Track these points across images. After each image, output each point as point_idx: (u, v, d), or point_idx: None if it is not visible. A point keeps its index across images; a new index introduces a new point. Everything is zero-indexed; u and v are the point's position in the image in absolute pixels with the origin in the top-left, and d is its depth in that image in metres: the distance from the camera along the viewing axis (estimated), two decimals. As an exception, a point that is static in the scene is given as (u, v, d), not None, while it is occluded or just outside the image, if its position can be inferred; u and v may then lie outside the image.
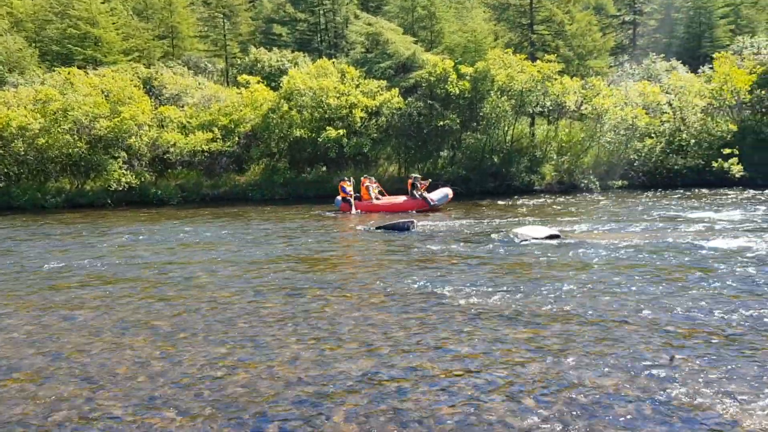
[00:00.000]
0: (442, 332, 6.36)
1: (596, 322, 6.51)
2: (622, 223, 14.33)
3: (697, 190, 21.58)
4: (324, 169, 24.86)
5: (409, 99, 25.57)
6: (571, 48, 33.50)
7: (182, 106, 26.49)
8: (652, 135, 25.27)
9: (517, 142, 25.54)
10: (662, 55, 35.94)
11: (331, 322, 6.89)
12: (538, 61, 25.63)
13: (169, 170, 25.13)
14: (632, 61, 38.66)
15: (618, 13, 48.98)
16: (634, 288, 7.85)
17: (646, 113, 25.15)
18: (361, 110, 24.59)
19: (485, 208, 19.06)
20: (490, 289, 7.98)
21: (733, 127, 24.70)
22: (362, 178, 20.18)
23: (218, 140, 24.39)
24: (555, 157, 25.00)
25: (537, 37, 33.25)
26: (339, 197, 19.70)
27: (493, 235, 12.61)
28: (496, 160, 24.35)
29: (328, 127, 24.14)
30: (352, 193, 19.43)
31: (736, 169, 23.14)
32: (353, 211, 18.81)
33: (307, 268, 10.02)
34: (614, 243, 11.25)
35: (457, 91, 24.51)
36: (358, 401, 4.82)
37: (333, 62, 27.79)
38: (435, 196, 19.57)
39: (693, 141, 24.89)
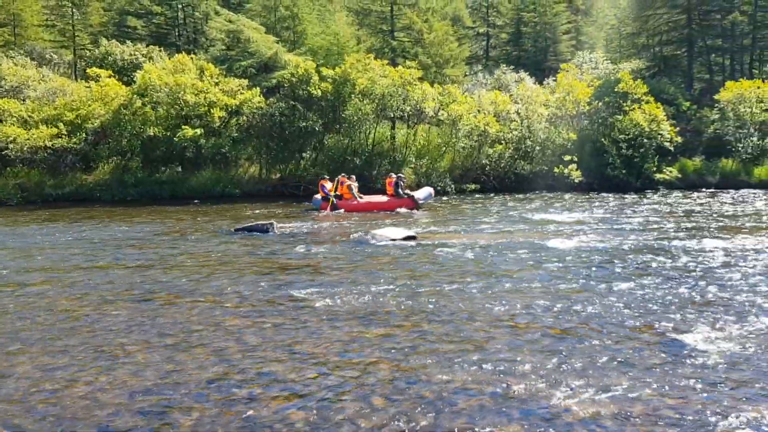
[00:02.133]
0: (296, 335, 6.32)
1: (447, 321, 6.76)
2: (474, 224, 15.05)
3: (541, 194, 23.11)
4: (179, 169, 23.92)
5: (271, 99, 25.30)
6: (429, 56, 34.75)
7: (24, 100, 24.39)
8: (502, 141, 26.80)
9: (378, 145, 26.06)
10: (512, 67, 38.23)
11: (182, 329, 6.62)
12: (399, 67, 26.33)
13: (8, 168, 23.03)
14: (485, 71, 40.82)
15: (473, 25, 51.47)
16: (482, 286, 8.25)
17: (497, 121, 26.62)
18: (221, 109, 23.95)
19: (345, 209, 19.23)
20: (347, 291, 8.06)
21: (573, 136, 26.80)
22: (340, 177, 19.73)
23: (63, 136, 22.72)
24: (414, 161, 25.77)
25: (398, 43, 34.16)
26: (318, 196, 19.30)
27: (352, 237, 12.76)
28: (358, 162, 24.70)
29: (184, 126, 23.27)
30: (331, 192, 19.08)
31: (576, 175, 25.12)
32: (326, 211, 18.38)
33: (159, 273, 9.57)
34: (467, 243, 11.79)
35: (320, 93, 24.59)
36: (207, 409, 4.67)
37: (192, 58, 26.83)
38: (420, 194, 19.62)
39: (538, 148, 26.71)
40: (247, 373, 5.35)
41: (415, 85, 25.62)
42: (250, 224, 14.35)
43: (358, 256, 10.72)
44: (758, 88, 29.59)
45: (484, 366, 5.40)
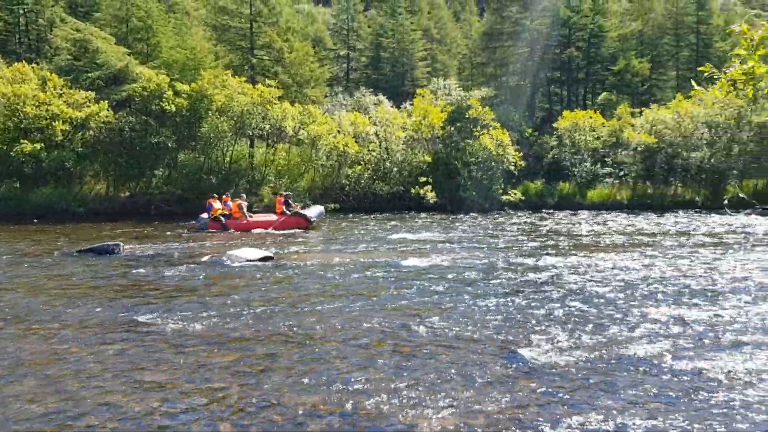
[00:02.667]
0: (140, 362, 6.01)
1: (300, 342, 6.73)
2: (332, 244, 15.16)
3: (398, 214, 23.75)
4: (17, 185, 22.00)
5: (121, 113, 24.01)
6: (290, 75, 34.71)
7: None
8: (361, 162, 27.31)
9: (236, 163, 25.56)
10: (371, 89, 39.19)
11: (12, 359, 6.07)
12: (259, 85, 26.08)
13: None
14: (346, 92, 41.48)
15: (334, 47, 52.22)
16: (337, 306, 8.32)
17: (356, 142, 27.11)
18: (64, 122, 22.35)
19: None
20: (197, 314, 7.80)
21: (428, 158, 27.89)
22: (225, 195, 19.02)
23: None
24: (273, 180, 25.55)
25: (257, 61, 33.79)
26: (204, 215, 18.34)
27: (205, 258, 12.38)
28: (214, 180, 24.05)
29: (23, 140, 21.47)
30: (221, 210, 18.24)
31: (430, 196, 26.13)
32: (215, 231, 17.64)
33: (-15, 299, 8.71)
34: (324, 263, 11.84)
35: (174, 109, 23.72)
36: (36, 448, 4.32)
37: (33, 68, 24.86)
38: (311, 212, 19.03)
39: (396, 169, 27.49)
40: (83, 405, 5.00)
41: (275, 103, 25.49)
42: (94, 245, 13.47)
43: (211, 278, 10.42)
44: (591, 118, 32.54)
45: (336, 386, 5.44)
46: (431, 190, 26.39)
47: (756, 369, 5.80)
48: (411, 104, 32.88)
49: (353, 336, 6.96)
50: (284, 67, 34.70)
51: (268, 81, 27.07)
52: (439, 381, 5.58)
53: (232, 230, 18.20)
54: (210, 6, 37.47)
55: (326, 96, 40.93)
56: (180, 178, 24.24)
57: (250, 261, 11.89)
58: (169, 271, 11.11)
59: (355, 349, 6.48)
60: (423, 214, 23.82)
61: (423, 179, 26.64)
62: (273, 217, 19.38)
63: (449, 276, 10.66)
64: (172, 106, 23.64)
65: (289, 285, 9.91)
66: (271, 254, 12.53)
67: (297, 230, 18.56)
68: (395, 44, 49.31)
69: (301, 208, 19.66)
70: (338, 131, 27.21)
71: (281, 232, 18.31)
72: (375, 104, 36.00)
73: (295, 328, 7.24)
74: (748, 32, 4.13)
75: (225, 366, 5.95)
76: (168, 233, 17.73)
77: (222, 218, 18.33)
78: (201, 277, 10.53)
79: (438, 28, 57.78)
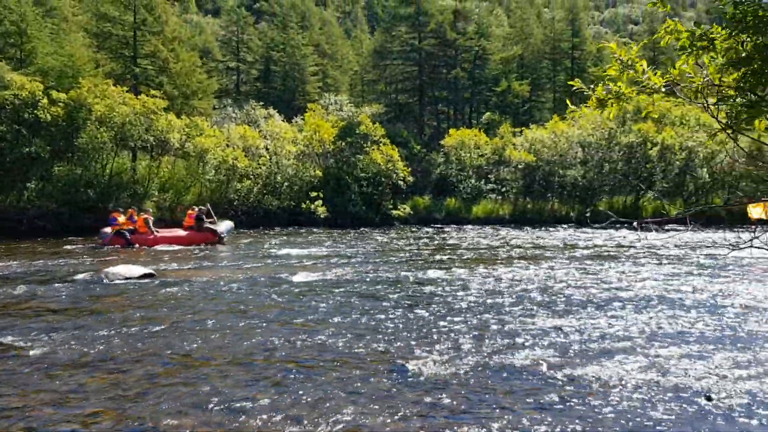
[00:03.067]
0: (1, 388, 5.60)
1: (181, 361, 6.52)
2: (219, 260, 14.81)
3: (288, 229, 23.58)
4: None
5: (-12, 121, 22.34)
6: (176, 86, 33.69)
7: None
8: (251, 176, 26.90)
9: (117, 176, 24.41)
10: (261, 103, 38.81)
11: None
12: (142, 95, 25.12)
13: None
14: (235, 105, 40.80)
15: (223, 59, 51.27)
16: (222, 324, 8.12)
17: (246, 156, 26.70)
18: None
19: (78, 245, 17.64)
20: (68, 336, 7.36)
21: (319, 173, 27.93)
22: (130, 209, 18.16)
23: None
24: (157, 194, 24.63)
25: (141, 70, 32.56)
26: (107, 229, 17.56)
27: (79, 276, 11.72)
28: (92, 194, 22.82)
29: None
30: (125, 225, 17.37)
31: (321, 211, 26.15)
32: (118, 246, 16.98)
33: None
34: (209, 280, 11.54)
35: (49, 118, 22.36)
36: None
37: None
38: (221, 228, 18.36)
39: (286, 184, 27.31)
40: (-67, 441, 4.60)
41: (160, 114, 24.64)
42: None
43: (86, 298, 9.87)
44: (475, 136, 33.88)
45: (218, 407, 5.31)
46: (322, 205, 26.42)
47: (624, 375, 6.22)
48: (302, 119, 32.83)
49: (237, 354, 6.83)
50: (170, 77, 33.63)
51: (152, 91, 26.12)
52: (324, 397, 5.57)
53: (137, 246, 17.45)
54: (91, 12, 35.68)
55: (214, 108, 40.05)
56: (55, 192, 22.81)
57: (130, 279, 11.38)
58: (39, 289, 10.42)
59: (238, 368, 6.36)
60: (313, 229, 23.78)
61: (314, 194, 26.63)
62: (180, 232, 18.73)
63: (337, 291, 10.69)
64: (48, 115, 22.28)
65: (170, 303, 9.57)
66: (153, 271, 12.06)
67: (206, 245, 18.12)
68: (286, 58, 49.14)
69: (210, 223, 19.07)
70: (227, 144, 26.68)
71: (187, 247, 17.79)
72: (265, 118, 35.65)
73: (175, 348, 7.00)
74: (617, 51, 4.44)
75: (99, 390, 5.65)
76: (41, 249, 16.64)
77: (126, 233, 17.52)
78: (73, 296, 9.95)
79: (329, 44, 58.16)
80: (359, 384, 5.91)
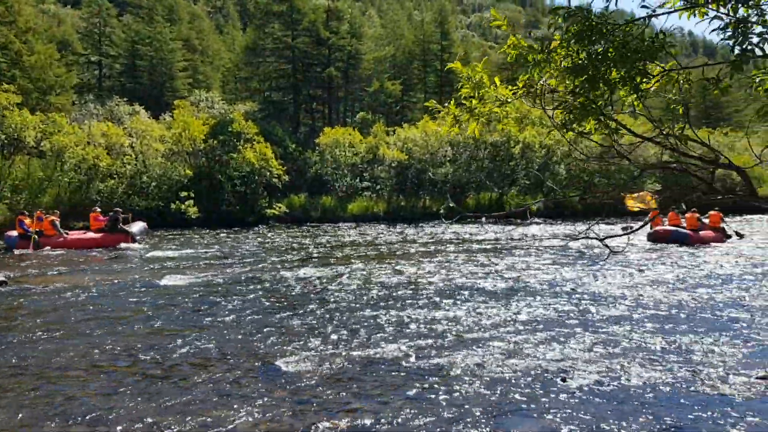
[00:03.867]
0: None
1: (36, 373, 6.14)
2: (79, 265, 14.03)
3: (157, 230, 22.68)
4: None
5: None
6: (30, 80, 31.39)
7: None
8: (115, 176, 25.63)
9: (-39, 177, 22.40)
10: (126, 99, 36.99)
11: None
12: (-8, 89, 23.21)
13: None
14: (97, 101, 38.57)
15: (84, 52, 48.26)
16: (80, 331, 7.72)
17: (109, 154, 25.40)
18: None
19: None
20: None
21: (190, 172, 27.09)
22: (38, 212, 17.53)
23: None
24: (9, 196, 22.85)
25: (-11, 62, 30.04)
26: (14, 233, 16.82)
27: None
28: (-68, 197, 20.81)
29: None
30: (32, 228, 16.82)
31: (192, 211, 25.38)
32: (27, 250, 16.21)
33: None
34: (68, 286, 10.93)
35: None
36: None
37: None
38: (134, 229, 18.45)
39: (154, 183, 26.24)
40: None
41: (13, 110, 22.85)
42: None
43: (-74, 310, 9.07)
44: (350, 134, 34.28)
45: (77, 417, 5.08)
46: (193, 205, 25.65)
47: (486, 362, 6.61)
48: (171, 116, 31.65)
49: (97, 363, 6.56)
50: (23, 71, 31.27)
51: (4, 85, 24.16)
52: (192, 401, 5.48)
53: (47, 248, 16.67)
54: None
55: (74, 104, 37.66)
56: None
57: (-23, 288, 10.56)
58: None
59: (100, 377, 6.12)
60: (185, 230, 23.03)
61: (184, 193, 25.78)
62: (91, 234, 18.10)
63: (207, 293, 10.50)
64: None
65: (24, 312, 8.98)
66: (4, 278, 11.26)
67: (121, 247, 17.73)
68: (153, 53, 47.08)
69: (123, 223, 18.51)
70: (88, 142, 25.22)
71: (91, 251, 17.12)
72: (131, 114, 34.02)
73: (29, 359, 6.61)
74: (463, 71, 4.73)
75: (-61, 408, 5.27)
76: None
77: (35, 236, 16.70)
78: None
79: (200, 39, 56.40)
80: (229, 385, 5.88)
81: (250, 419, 5.14)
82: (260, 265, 14.03)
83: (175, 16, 55.94)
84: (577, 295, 10.19)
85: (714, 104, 59.86)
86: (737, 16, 3.79)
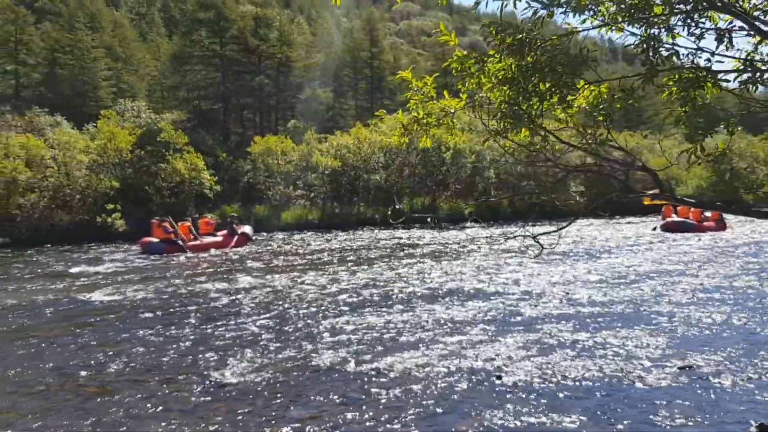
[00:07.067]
0: None
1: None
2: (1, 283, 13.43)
3: (82, 245, 21.95)
4: None
5: None
6: (-61, 90, 29.75)
7: None
8: (36, 189, 24.59)
9: None
10: (47, 109, 35.59)
11: None
12: None
13: None
14: (15, 112, 36.86)
15: (0, 61, 46.04)
16: (5, 349, 7.49)
17: (29, 167, 24.36)
18: None
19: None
20: None
21: (116, 184, 26.28)
22: (155, 220, 19.05)
23: None
24: None
25: None
26: (155, 239, 18.27)
27: None
28: None
29: None
30: (176, 232, 18.43)
31: (120, 224, 24.63)
32: (182, 254, 17.95)
33: None
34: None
35: None
36: None
37: None
38: (248, 230, 20.88)
39: (78, 196, 25.33)
40: None
41: None
42: None
43: None
44: (282, 142, 34.04)
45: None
46: (120, 218, 24.86)
47: (424, 363, 6.77)
48: (95, 126, 30.58)
49: (27, 382, 6.35)
50: (-69, 80, 29.60)
51: None
52: (129, 416, 5.41)
53: (189, 252, 18.25)
54: None
55: (-11, 115, 35.86)
56: None
57: None
58: None
59: (30, 397, 5.93)
60: (112, 245, 22.29)
61: (110, 206, 24.94)
62: (220, 238, 19.89)
63: (137, 308, 10.27)
64: None
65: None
66: None
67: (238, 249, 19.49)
68: (74, 61, 45.37)
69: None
70: (6, 155, 24.09)
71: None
72: (52, 125, 32.69)
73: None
74: (414, 83, 4.86)
75: None
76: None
77: (180, 241, 18.30)
78: None
79: (123, 47, 54.70)
80: (167, 399, 5.83)
81: (191, 430, 5.10)
82: (187, 279, 13.77)
83: (97, 23, 54.05)
84: (510, 295, 10.51)
85: (635, 108, 62.65)
86: (649, 33, 4.07)
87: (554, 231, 5.18)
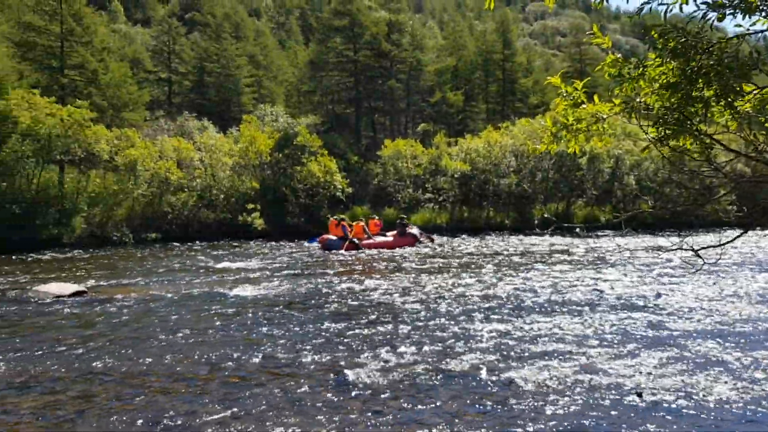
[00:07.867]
0: (-73, 416, 5.35)
1: (119, 379, 6.37)
2: (154, 276, 14.44)
3: (225, 242, 23.21)
4: None
5: None
6: (105, 98, 32.74)
7: None
8: (185, 189, 26.37)
9: (43, 191, 23.46)
10: (195, 114, 38.13)
11: None
12: (69, 106, 24.30)
13: None
14: (168, 117, 39.91)
15: (155, 69, 50.09)
16: (158, 340, 7.96)
17: (180, 168, 26.19)
18: None
19: (3, 263, 16.91)
20: (-2, 358, 7.09)
21: (256, 185, 27.65)
22: (333, 219, 20.92)
23: None
24: (86, 209, 23.82)
25: (68, 81, 31.48)
26: (334, 237, 19.81)
27: (9, 294, 11.25)
28: (18, 210, 21.86)
29: None
30: (352, 231, 20.04)
31: (259, 223, 25.88)
32: (353, 251, 19.31)
33: None
34: (144, 297, 11.28)
35: (-32, 131, 21.34)
36: None
37: None
38: (416, 231, 21.74)
39: (222, 196, 26.91)
40: None
41: (88, 126, 23.87)
42: None
43: (14, 316, 9.49)
44: (411, 146, 34.28)
45: (160, 424, 5.22)
46: (259, 217, 26.14)
47: (560, 376, 6.45)
48: (237, 130, 32.41)
49: (177, 371, 6.72)
50: (99, 88, 32.63)
51: (78, 101, 25.17)
52: (269, 410, 5.55)
53: (364, 250, 19.84)
54: (13, 21, 34.21)
55: (146, 120, 39.07)
56: (-25, 208, 21.71)
57: (60, 297, 11.00)
58: (-38, 311, 9.96)
59: (179, 384, 6.27)
60: (251, 242, 23.47)
61: (251, 206, 26.31)
62: (389, 237, 21.17)
63: (277, 304, 10.64)
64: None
65: (104, 321, 9.30)
66: (84, 288, 11.69)
67: (407, 248, 20.64)
68: (220, 69, 48.46)
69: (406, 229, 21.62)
70: (160, 157, 26.10)
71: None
72: (200, 129, 35.04)
73: (112, 367, 6.83)
74: (563, 87, 4.64)
75: (33, 411, 5.47)
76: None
77: (356, 240, 19.90)
78: (1, 316, 9.55)
79: (264, 55, 57.70)
80: (304, 395, 5.93)
81: (324, 428, 5.16)
82: (323, 277, 14.11)
83: (241, 33, 57.40)
84: (655, 308, 9.81)
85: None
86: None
87: (718, 245, 4.69)
